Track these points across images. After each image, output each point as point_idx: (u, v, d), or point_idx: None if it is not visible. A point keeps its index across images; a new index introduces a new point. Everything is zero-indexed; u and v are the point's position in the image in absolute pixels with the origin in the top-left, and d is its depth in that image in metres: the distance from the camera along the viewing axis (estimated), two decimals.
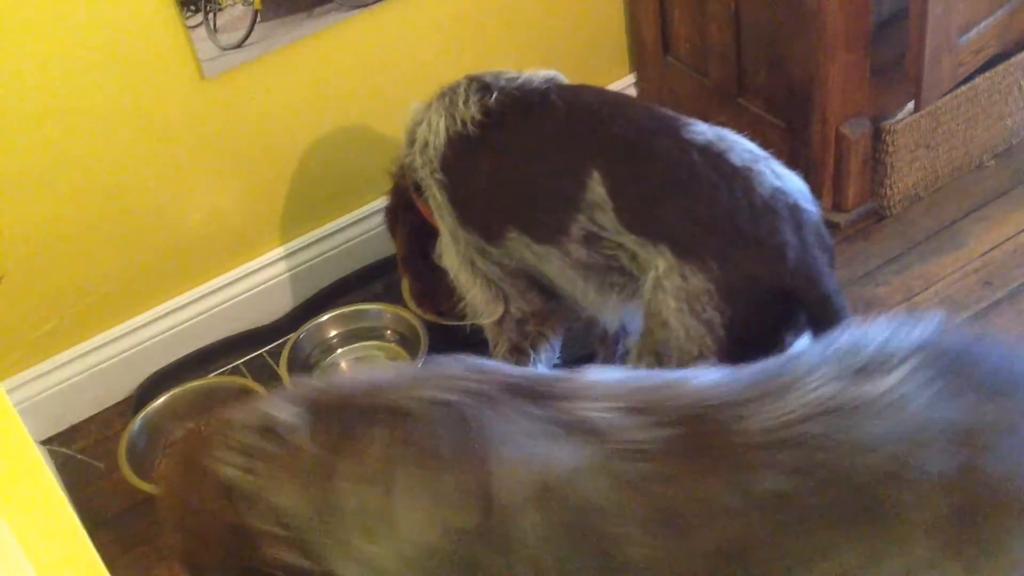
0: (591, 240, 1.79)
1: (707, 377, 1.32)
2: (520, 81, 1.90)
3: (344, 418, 1.34)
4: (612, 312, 1.95)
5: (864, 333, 1.29)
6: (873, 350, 1.26)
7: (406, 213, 2.10)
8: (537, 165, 1.83)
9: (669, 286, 1.70)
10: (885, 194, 2.45)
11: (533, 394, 1.31)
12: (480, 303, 2.02)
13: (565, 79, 1.94)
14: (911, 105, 2.35)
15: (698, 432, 1.25)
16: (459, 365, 1.37)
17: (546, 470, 1.25)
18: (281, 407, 1.37)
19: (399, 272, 2.28)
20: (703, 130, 1.77)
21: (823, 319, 1.68)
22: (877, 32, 2.29)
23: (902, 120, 2.36)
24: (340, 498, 1.30)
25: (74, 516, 1.05)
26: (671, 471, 1.24)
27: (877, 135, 2.36)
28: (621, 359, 2.12)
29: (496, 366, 1.39)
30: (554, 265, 1.87)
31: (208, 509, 1.39)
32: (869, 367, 1.24)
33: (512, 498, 1.25)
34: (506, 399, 1.30)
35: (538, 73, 1.91)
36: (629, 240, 1.75)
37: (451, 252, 2.00)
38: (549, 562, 1.25)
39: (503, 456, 1.26)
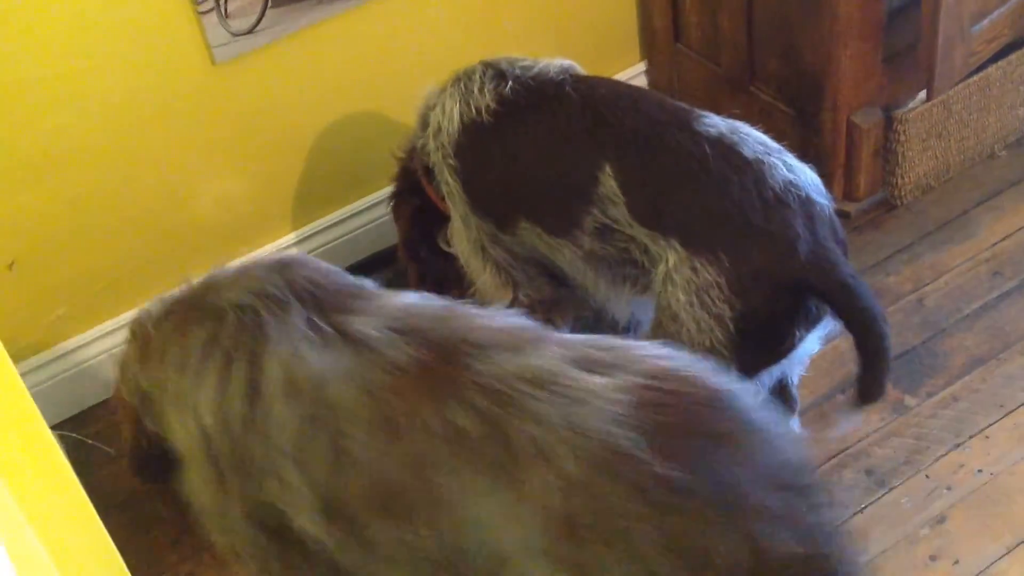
0: (603, 233, 1.79)
1: (492, 320, 1.49)
2: (536, 71, 1.89)
3: (186, 311, 1.61)
4: (623, 305, 1.95)
5: (634, 343, 1.44)
6: (615, 355, 1.39)
7: (411, 196, 2.10)
8: (550, 157, 1.83)
9: (679, 279, 1.70)
10: (896, 183, 2.45)
11: (322, 305, 1.52)
12: (490, 288, 2.02)
13: (581, 69, 1.94)
14: (923, 94, 2.34)
15: (442, 360, 1.42)
16: (274, 267, 1.59)
17: (306, 370, 1.46)
18: (156, 301, 1.67)
19: (400, 257, 2.28)
20: (716, 123, 1.76)
21: (846, 306, 1.68)
22: (889, 20, 2.28)
23: (914, 109, 2.35)
24: (166, 380, 1.58)
25: (87, 501, 1.06)
26: (403, 386, 1.42)
27: (889, 124, 2.36)
28: None
29: (307, 271, 1.59)
30: (566, 257, 1.87)
31: (115, 385, 1.73)
32: (597, 363, 1.38)
33: (273, 390, 1.47)
34: (295, 306, 1.52)
35: (553, 62, 1.91)
36: (640, 233, 1.75)
37: (462, 237, 2.00)
38: (293, 448, 1.46)
39: (275, 354, 1.49)
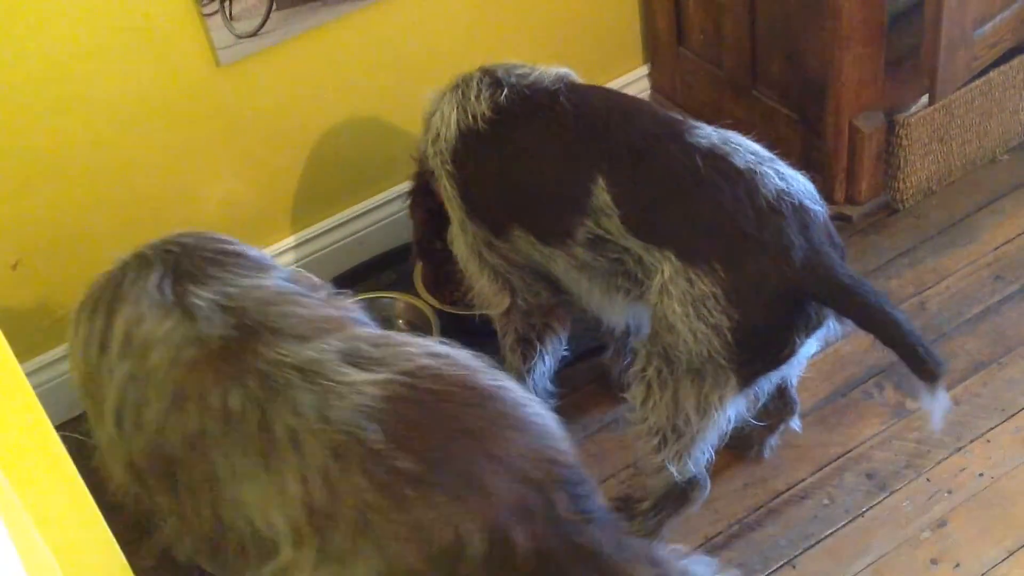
0: (597, 244, 1.79)
1: (308, 309, 1.55)
2: (532, 79, 1.89)
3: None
4: (617, 314, 1.96)
5: (412, 339, 1.51)
6: (383, 351, 1.47)
7: (424, 197, 2.11)
8: (544, 168, 1.83)
9: (675, 291, 1.70)
10: (898, 187, 2.45)
11: (178, 270, 1.60)
12: (487, 293, 2.03)
13: (577, 77, 1.94)
14: (925, 98, 2.35)
15: (240, 343, 1.50)
16: (173, 232, 1.70)
17: (142, 331, 1.56)
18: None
19: (413, 256, 2.29)
20: (708, 133, 1.77)
21: (850, 307, 1.68)
22: (892, 25, 2.29)
23: (916, 113, 2.36)
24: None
25: (92, 500, 1.07)
26: (202, 362, 1.50)
27: (891, 128, 2.36)
28: (631, 354, 2.12)
29: (187, 236, 1.69)
30: (560, 266, 1.88)
31: None
32: (363, 360, 1.45)
33: (115, 346, 1.58)
34: (156, 268, 1.61)
35: (550, 71, 1.91)
36: (635, 245, 1.75)
37: (460, 242, 2.00)
38: (116, 403, 1.57)
39: (124, 312, 1.59)
